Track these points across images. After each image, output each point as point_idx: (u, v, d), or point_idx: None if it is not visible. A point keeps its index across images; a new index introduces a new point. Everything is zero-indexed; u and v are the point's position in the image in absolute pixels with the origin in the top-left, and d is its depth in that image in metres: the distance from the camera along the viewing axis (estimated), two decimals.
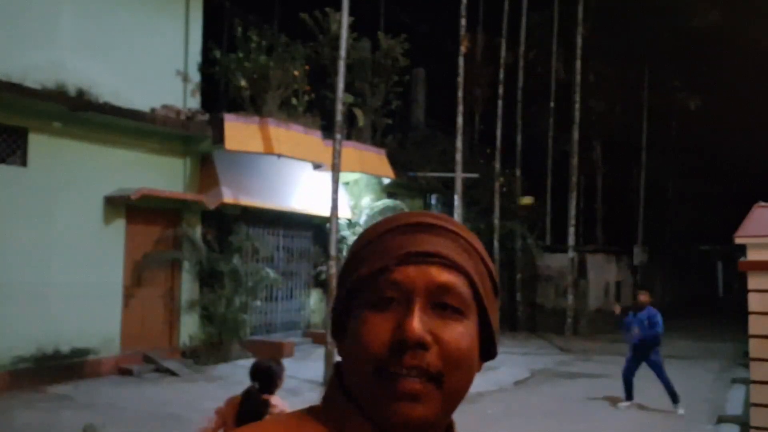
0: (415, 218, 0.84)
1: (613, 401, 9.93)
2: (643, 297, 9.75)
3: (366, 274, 0.80)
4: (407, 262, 0.79)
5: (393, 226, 0.84)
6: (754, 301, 5.80)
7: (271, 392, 4.07)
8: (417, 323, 0.75)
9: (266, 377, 4.09)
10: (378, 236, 0.84)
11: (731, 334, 17.09)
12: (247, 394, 4.04)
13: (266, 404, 3.94)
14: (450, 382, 0.77)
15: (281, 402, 4.05)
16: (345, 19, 10.93)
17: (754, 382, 5.88)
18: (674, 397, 9.41)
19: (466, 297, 0.80)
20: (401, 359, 0.75)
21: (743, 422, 7.94)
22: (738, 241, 5.84)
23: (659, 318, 9.43)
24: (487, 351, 0.85)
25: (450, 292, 0.78)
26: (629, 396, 9.73)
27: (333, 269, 10.49)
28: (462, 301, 0.79)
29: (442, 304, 0.78)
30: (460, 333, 0.78)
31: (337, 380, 0.84)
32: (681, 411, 9.30)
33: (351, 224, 15.45)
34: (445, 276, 0.79)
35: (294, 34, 13.65)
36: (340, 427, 0.79)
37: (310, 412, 0.82)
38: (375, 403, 0.76)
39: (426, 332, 0.76)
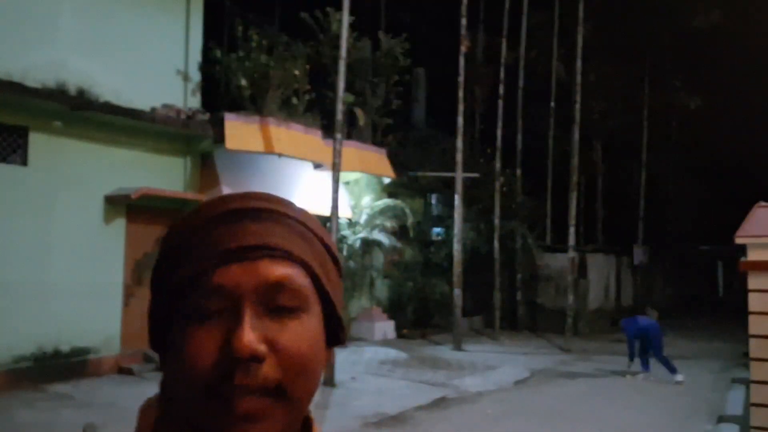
0: (235, 203, 0.72)
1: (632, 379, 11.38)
2: (654, 315, 12.54)
3: (183, 279, 0.68)
4: (230, 261, 0.67)
5: (210, 215, 0.71)
6: (754, 301, 5.80)
7: None
8: (247, 335, 0.64)
9: None
10: (193, 228, 0.71)
11: (731, 334, 17.09)
12: None
13: None
14: (293, 391, 0.67)
15: None
16: (345, 18, 10.93)
17: (754, 382, 5.88)
18: (672, 368, 11.29)
19: (304, 290, 0.69)
20: (234, 377, 0.64)
21: (743, 422, 7.94)
22: (738, 241, 5.84)
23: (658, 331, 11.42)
24: (336, 337, 0.75)
25: (284, 288, 0.68)
26: (673, 371, 11.31)
27: None
28: (299, 296, 0.69)
29: (278, 305, 0.67)
30: (301, 334, 0.68)
31: (163, 403, 0.73)
32: (680, 378, 11.20)
33: (351, 224, 15.46)
34: (277, 271, 0.68)
35: (294, 33, 13.65)
36: None
37: None
38: (209, 429, 0.65)
39: (259, 342, 0.64)
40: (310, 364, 0.68)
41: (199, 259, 0.68)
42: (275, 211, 0.72)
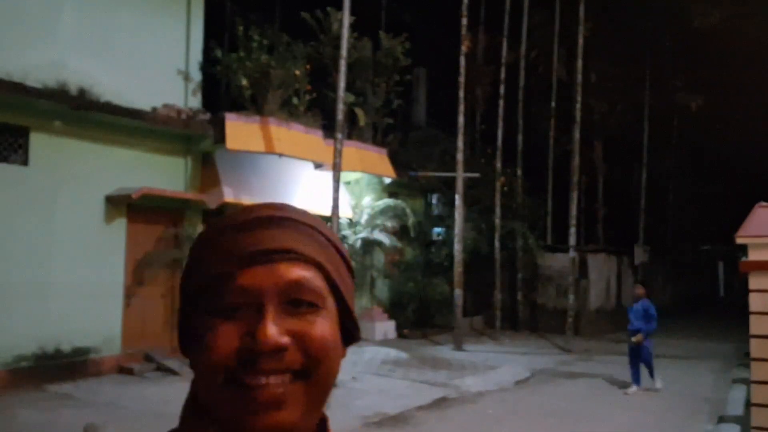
0: (255, 213, 0.78)
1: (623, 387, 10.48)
2: (639, 290, 10.94)
3: (208, 280, 0.74)
4: (252, 264, 0.73)
5: (232, 224, 0.77)
6: (755, 301, 5.80)
7: None
8: (271, 329, 0.70)
9: None
10: (217, 235, 0.77)
11: (732, 334, 17.09)
12: None
13: None
14: (317, 376, 0.73)
15: None
16: (346, 18, 10.94)
17: (755, 382, 5.88)
18: (653, 373, 10.74)
19: (320, 289, 0.75)
20: (257, 367, 0.69)
21: (744, 422, 7.94)
22: (739, 241, 5.84)
23: (653, 310, 10.58)
24: (350, 336, 0.81)
25: (303, 287, 0.74)
26: (651, 374, 10.78)
27: None
28: (317, 294, 0.75)
29: (296, 300, 0.73)
30: (320, 326, 0.74)
31: (191, 399, 0.77)
32: (659, 385, 10.65)
33: (352, 224, 15.46)
34: (295, 272, 0.74)
35: (295, 33, 13.65)
36: None
37: None
38: (233, 418, 0.71)
39: (282, 334, 0.71)
40: (331, 352, 0.74)
41: (225, 261, 0.74)
42: (292, 219, 0.78)
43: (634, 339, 10.45)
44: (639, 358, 10.60)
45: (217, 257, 0.75)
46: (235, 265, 0.73)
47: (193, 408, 0.77)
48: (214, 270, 0.74)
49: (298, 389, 0.71)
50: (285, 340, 0.71)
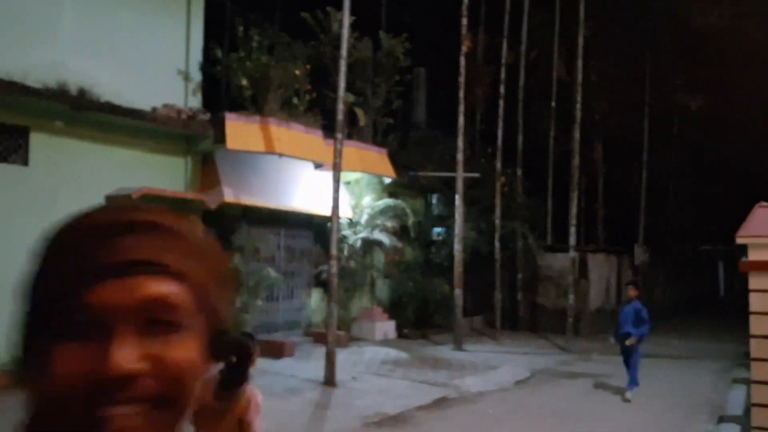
0: (112, 215, 0.68)
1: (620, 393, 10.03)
2: (631, 292, 10.35)
3: (54, 295, 0.65)
4: (105, 278, 0.64)
5: (84, 227, 0.67)
6: (755, 301, 5.80)
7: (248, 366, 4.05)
8: (122, 354, 0.62)
9: (243, 350, 4.05)
10: (67, 241, 0.67)
11: (732, 334, 17.08)
12: (224, 366, 3.98)
13: (246, 374, 3.89)
14: (176, 403, 0.66)
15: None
16: (346, 18, 10.93)
17: (755, 382, 5.88)
18: (633, 382, 10.16)
19: (185, 307, 0.67)
20: (108, 397, 0.62)
21: (744, 422, 7.94)
22: (739, 241, 5.84)
23: (645, 313, 10.03)
24: (221, 349, 0.74)
25: (164, 306, 0.65)
26: (631, 381, 10.29)
27: (334, 269, 10.51)
28: (180, 312, 0.66)
29: (155, 320, 0.65)
30: (182, 349, 0.66)
31: (28, 426, 0.69)
32: (629, 396, 10.08)
33: (352, 224, 15.46)
34: (156, 288, 0.65)
35: (295, 33, 13.64)
36: None
37: None
38: None
39: (137, 360, 0.63)
40: (190, 377, 0.67)
41: (74, 273, 0.65)
42: (155, 223, 0.68)
43: (627, 342, 10.10)
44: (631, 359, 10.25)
45: (65, 268, 0.65)
46: (85, 279, 0.64)
47: None
48: (61, 284, 0.65)
49: (154, 419, 0.64)
50: (139, 366, 0.63)
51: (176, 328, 0.66)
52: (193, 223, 0.74)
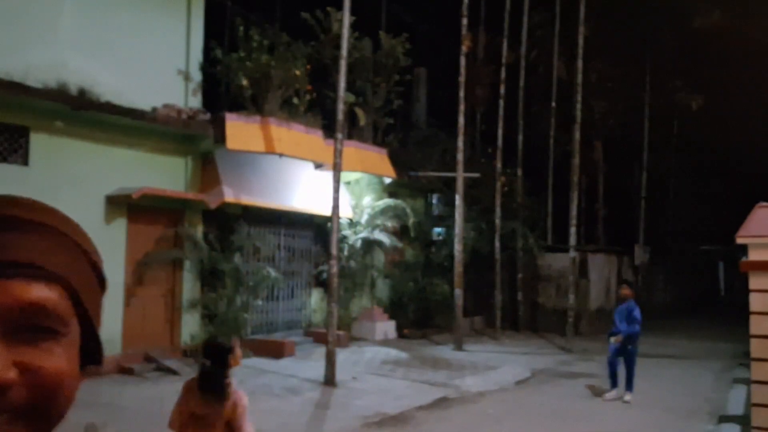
0: None
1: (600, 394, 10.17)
2: (625, 291, 10.35)
3: None
4: None
5: None
6: (755, 301, 5.80)
7: (224, 366, 3.96)
8: None
9: (217, 353, 3.96)
10: None
11: (732, 334, 17.08)
12: (201, 372, 4.02)
13: (225, 377, 3.89)
14: (46, 414, 0.62)
15: (233, 382, 3.98)
16: (346, 18, 10.93)
17: (755, 382, 5.88)
18: (630, 386, 10.06)
19: (60, 311, 0.63)
20: None
21: (744, 422, 7.94)
22: (739, 241, 5.84)
23: (638, 312, 10.02)
24: (92, 355, 0.69)
25: (41, 312, 0.61)
26: (614, 384, 10.24)
27: (334, 268, 10.50)
28: (58, 319, 0.62)
29: (31, 327, 0.61)
30: (58, 357, 0.62)
31: None
32: (628, 398, 9.99)
33: (352, 224, 15.46)
34: (33, 293, 0.61)
35: (295, 33, 13.65)
36: None
37: None
38: None
39: (8, 368, 0.59)
40: (65, 386, 0.63)
41: None
42: (27, 220, 0.64)
43: (612, 339, 10.10)
44: (618, 361, 10.07)
45: None
46: None
47: None
48: None
49: (21, 429, 0.60)
50: (10, 375, 0.59)
51: (51, 335, 0.62)
52: (74, 223, 0.70)
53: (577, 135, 16.87)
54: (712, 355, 15.38)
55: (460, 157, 15.12)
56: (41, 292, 0.62)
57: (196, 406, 3.89)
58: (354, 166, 14.16)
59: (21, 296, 0.60)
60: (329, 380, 10.17)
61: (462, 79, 15.32)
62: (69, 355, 0.64)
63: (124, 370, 10.45)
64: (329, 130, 12.70)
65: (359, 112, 15.63)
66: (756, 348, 5.83)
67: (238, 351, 4.11)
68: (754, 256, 5.79)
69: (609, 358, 10.31)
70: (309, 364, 11.51)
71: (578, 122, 16.93)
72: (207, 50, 12.46)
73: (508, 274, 19.27)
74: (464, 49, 15.31)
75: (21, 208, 0.64)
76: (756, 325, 5.79)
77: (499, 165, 18.15)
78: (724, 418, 8.87)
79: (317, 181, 13.82)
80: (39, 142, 9.79)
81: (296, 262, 14.42)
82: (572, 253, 16.90)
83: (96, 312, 0.69)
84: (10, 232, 0.62)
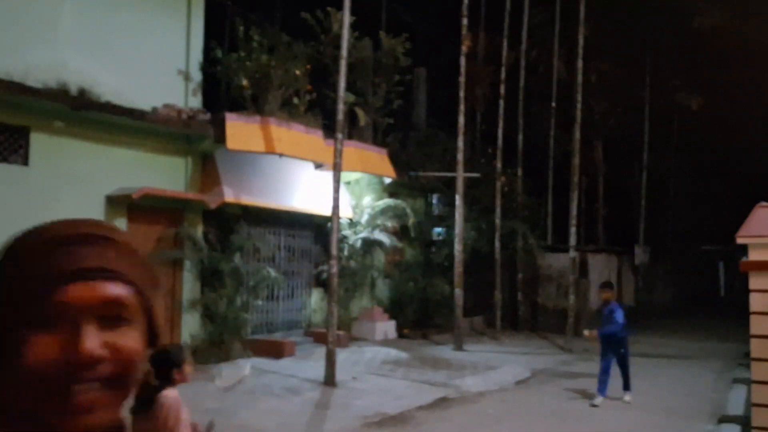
0: (74, 229, 0.84)
1: (614, 399, 9.97)
2: (606, 295, 10.07)
3: (27, 294, 0.78)
4: (72, 280, 0.79)
5: (50, 239, 0.82)
6: (755, 301, 5.80)
7: (168, 381, 3.59)
8: (89, 343, 0.78)
9: (161, 365, 3.55)
10: (36, 249, 0.81)
11: (733, 334, 17.08)
12: (140, 385, 3.58)
13: (155, 391, 3.48)
14: (124, 384, 0.82)
15: (173, 396, 3.54)
16: (346, 18, 10.93)
17: (756, 382, 5.88)
18: (627, 385, 10.06)
19: (132, 304, 0.83)
20: (75, 376, 0.77)
21: (744, 422, 7.94)
22: (740, 241, 5.84)
23: (620, 315, 9.77)
24: (154, 339, 0.89)
25: (118, 305, 0.81)
26: (603, 390, 9.97)
27: (334, 268, 10.50)
28: (129, 310, 0.83)
29: (111, 316, 0.81)
30: (131, 339, 0.82)
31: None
32: (628, 398, 9.96)
33: (352, 224, 15.46)
34: (111, 290, 0.81)
35: (295, 33, 13.65)
36: None
37: None
38: (51, 420, 0.78)
39: (99, 347, 0.79)
40: (137, 362, 0.83)
41: (45, 276, 0.79)
42: (108, 238, 0.85)
43: (586, 332, 10.05)
44: (611, 366, 9.89)
45: (37, 272, 0.79)
46: (55, 280, 0.79)
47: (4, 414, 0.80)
48: (34, 284, 0.79)
49: (108, 395, 0.80)
50: (101, 352, 0.79)
51: (125, 322, 0.82)
52: (134, 239, 0.89)
53: (577, 135, 16.87)
54: (713, 355, 15.38)
55: (460, 157, 15.12)
56: (118, 290, 0.82)
57: (129, 416, 3.50)
58: (354, 166, 14.16)
59: (104, 293, 0.81)
60: (329, 380, 10.17)
61: (462, 79, 15.32)
62: (139, 339, 0.84)
63: None
64: (329, 130, 12.70)
65: (359, 112, 15.63)
66: (756, 348, 5.83)
67: (188, 367, 3.77)
68: (754, 256, 5.79)
69: (602, 364, 9.99)
70: (309, 364, 11.51)
71: (578, 122, 16.93)
72: (207, 50, 12.46)
73: (508, 274, 19.27)
74: (464, 49, 15.32)
75: (96, 228, 0.85)
76: (756, 325, 5.80)
77: (499, 165, 18.15)
78: (724, 419, 8.86)
79: (317, 181, 13.82)
80: (39, 142, 9.79)
81: (296, 262, 14.42)
82: (572, 253, 16.90)
83: (156, 306, 0.88)
84: (91, 246, 0.82)
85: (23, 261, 0.81)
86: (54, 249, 0.81)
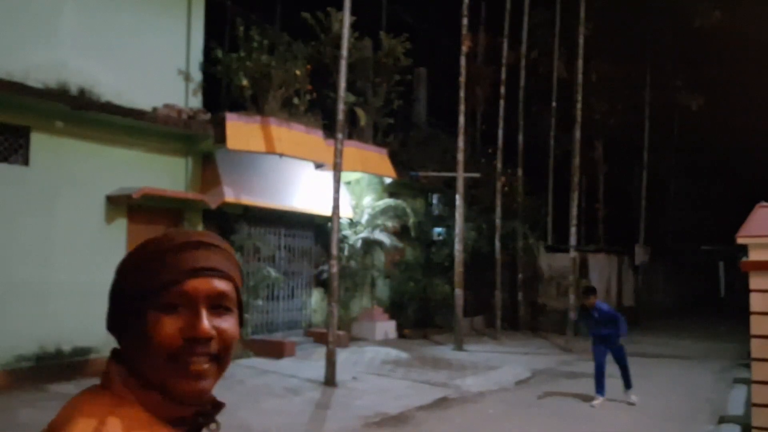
0: (193, 237, 1.07)
1: (614, 401, 9.96)
2: (588, 301, 9.73)
3: (158, 285, 1.01)
4: (193, 276, 1.02)
5: (175, 244, 1.05)
6: (755, 302, 5.81)
7: None
8: (206, 324, 1.00)
9: None
10: (163, 252, 1.04)
11: (733, 335, 17.08)
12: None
13: None
14: (225, 359, 1.04)
15: None
16: (347, 18, 10.93)
17: (756, 382, 5.88)
18: (628, 383, 9.92)
19: (232, 297, 1.07)
20: (193, 350, 0.99)
21: (744, 422, 7.94)
22: (740, 241, 5.85)
23: (600, 314, 9.59)
24: (241, 325, 1.11)
25: (224, 296, 1.05)
26: (628, 382, 9.94)
27: (334, 268, 10.50)
28: (231, 301, 1.06)
29: (218, 305, 1.04)
30: (232, 324, 1.05)
31: (120, 366, 1.03)
32: (634, 398, 9.83)
33: (352, 224, 15.46)
34: (221, 285, 1.04)
35: (296, 33, 13.65)
36: (141, 400, 1.00)
37: (100, 394, 1.03)
38: (171, 382, 0.99)
39: (211, 328, 1.01)
40: (234, 343, 1.06)
41: (173, 272, 1.02)
42: (215, 245, 1.08)
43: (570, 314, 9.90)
44: (606, 364, 9.78)
45: (167, 269, 1.02)
46: (181, 275, 1.02)
47: (125, 374, 1.01)
48: (165, 278, 1.02)
49: (214, 367, 1.02)
50: (213, 332, 1.01)
51: (227, 311, 1.06)
52: (230, 246, 1.12)
53: (578, 135, 16.88)
54: (713, 355, 15.38)
55: (460, 157, 15.12)
56: (224, 285, 1.05)
57: None
58: (354, 166, 14.16)
59: (215, 287, 1.04)
60: (329, 380, 10.17)
61: (462, 79, 15.32)
62: (236, 324, 1.07)
63: None
64: (329, 130, 12.69)
65: (359, 112, 15.63)
66: (756, 348, 5.83)
67: None
68: (754, 256, 5.80)
69: (597, 363, 9.85)
70: (309, 364, 11.51)
71: (578, 122, 16.94)
72: (207, 50, 12.46)
73: (508, 274, 19.28)
74: (464, 49, 15.32)
75: (207, 237, 1.09)
76: (756, 325, 5.80)
77: (499, 165, 18.16)
78: (725, 419, 8.87)
79: (317, 181, 13.82)
80: (39, 142, 9.79)
81: (296, 262, 14.42)
82: (572, 253, 16.91)
83: (242, 301, 1.11)
84: (205, 250, 1.06)
85: (153, 261, 1.03)
86: (178, 252, 1.04)
